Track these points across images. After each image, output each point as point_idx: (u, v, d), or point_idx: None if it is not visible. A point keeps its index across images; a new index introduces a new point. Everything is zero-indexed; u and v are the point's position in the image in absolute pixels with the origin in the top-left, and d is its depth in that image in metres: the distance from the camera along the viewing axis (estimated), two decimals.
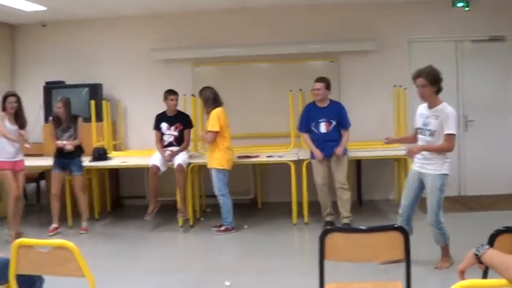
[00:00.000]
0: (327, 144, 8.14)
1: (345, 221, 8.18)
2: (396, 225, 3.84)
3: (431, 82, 6.08)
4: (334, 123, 8.14)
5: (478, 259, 2.64)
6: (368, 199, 9.99)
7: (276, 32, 10.01)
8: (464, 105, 10.08)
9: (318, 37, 9.98)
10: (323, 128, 8.16)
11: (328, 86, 8.21)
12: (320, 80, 8.22)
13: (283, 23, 10.03)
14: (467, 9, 9.87)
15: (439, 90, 6.14)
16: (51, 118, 8.64)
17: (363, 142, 9.45)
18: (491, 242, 3.24)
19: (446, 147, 6.07)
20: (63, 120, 8.42)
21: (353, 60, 10.07)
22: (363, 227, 3.88)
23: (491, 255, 2.60)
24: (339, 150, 8.08)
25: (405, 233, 3.73)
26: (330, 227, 3.80)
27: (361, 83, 10.08)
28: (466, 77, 10.15)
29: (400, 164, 9.12)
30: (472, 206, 9.43)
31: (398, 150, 8.36)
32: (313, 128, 8.21)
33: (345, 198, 8.18)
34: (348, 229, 3.86)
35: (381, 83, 9.93)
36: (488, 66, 10.18)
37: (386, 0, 9.75)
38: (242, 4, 9.64)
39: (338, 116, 8.19)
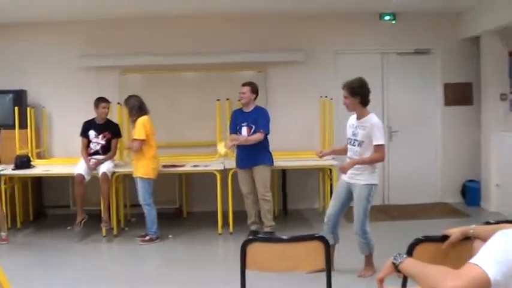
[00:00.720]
0: (248, 153, 8.28)
1: (267, 229, 8.36)
2: (317, 235, 3.89)
3: (352, 94, 6.36)
4: (254, 127, 8.23)
5: (396, 268, 2.67)
6: (293, 208, 10.20)
7: (204, 41, 10.12)
8: (389, 116, 10.42)
9: (246, 47, 10.13)
10: (244, 132, 8.28)
11: (254, 91, 8.32)
12: (246, 84, 8.36)
13: (212, 32, 10.18)
14: (394, 22, 10.20)
15: (363, 102, 6.40)
16: None
17: (289, 152, 9.70)
18: (410, 251, 3.37)
19: (376, 158, 6.34)
20: None
21: (281, 71, 10.27)
22: (284, 237, 3.94)
23: (409, 264, 2.63)
24: (235, 142, 8.28)
25: (326, 242, 3.80)
26: (251, 237, 3.92)
27: (289, 94, 10.29)
28: (391, 89, 10.52)
29: (325, 173, 9.33)
30: (396, 215, 9.78)
31: (323, 161, 8.55)
32: (238, 132, 8.34)
33: (265, 208, 8.33)
34: (269, 239, 3.93)
35: (308, 94, 10.17)
36: (413, 79, 10.61)
37: (315, 11, 9.96)
38: (171, 13, 9.68)
39: (257, 120, 8.27)
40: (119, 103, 9.24)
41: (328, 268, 3.84)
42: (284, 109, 10.19)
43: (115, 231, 8.68)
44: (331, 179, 9.02)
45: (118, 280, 6.90)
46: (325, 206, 9.26)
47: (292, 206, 10.20)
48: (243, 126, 8.30)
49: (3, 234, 8.39)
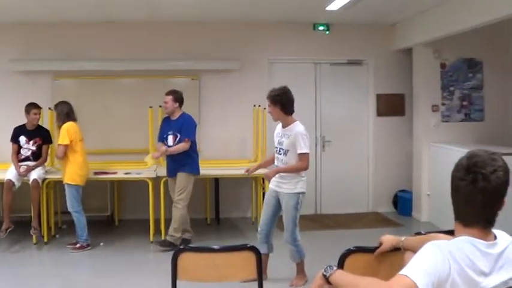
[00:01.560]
0: (174, 161, 8.38)
1: (167, 238, 8.42)
2: (249, 245, 3.98)
3: (273, 102, 6.63)
4: (179, 136, 8.29)
5: (327, 280, 2.71)
6: (225, 217, 10.38)
7: (139, 47, 10.23)
8: (321, 126, 10.69)
9: (180, 55, 10.29)
10: (170, 141, 8.36)
11: (176, 99, 8.38)
12: (169, 92, 8.42)
13: (146, 39, 10.29)
14: (327, 32, 10.46)
15: (285, 110, 6.61)
16: None
17: (222, 160, 9.96)
18: (341, 261, 3.44)
19: (300, 166, 6.54)
20: None
21: (215, 79, 10.45)
22: (215, 247, 4.03)
23: (339, 276, 2.68)
24: (157, 154, 8.50)
25: (257, 252, 3.93)
26: (182, 247, 4.02)
27: (223, 102, 10.48)
28: (324, 99, 10.81)
29: (257, 182, 9.54)
30: (328, 224, 10.05)
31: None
32: (165, 141, 8.43)
33: (174, 215, 8.38)
34: (200, 249, 4.02)
35: (241, 102, 10.37)
36: (346, 89, 10.94)
37: (249, 20, 10.18)
38: (106, 18, 9.77)
39: (182, 128, 8.33)
40: (50, 108, 9.24)
41: (260, 278, 3.96)
42: (218, 117, 10.42)
43: (45, 239, 8.69)
44: (263, 188, 9.20)
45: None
46: (258, 215, 9.46)
47: (224, 215, 10.37)
48: (169, 134, 8.39)
49: None
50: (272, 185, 6.80)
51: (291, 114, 6.67)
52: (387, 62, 10.85)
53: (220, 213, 10.31)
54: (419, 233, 3.54)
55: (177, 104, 8.41)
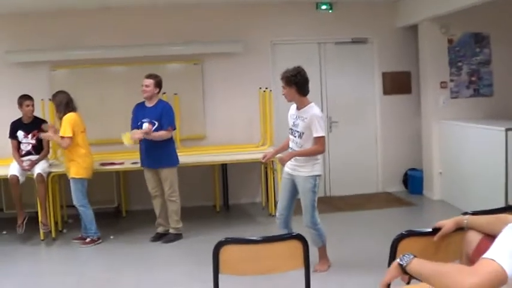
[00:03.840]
0: (153, 152, 8.07)
1: (172, 231, 8.29)
2: (295, 233, 3.81)
3: (287, 83, 6.39)
4: (156, 124, 7.94)
5: (403, 269, 2.61)
6: (234, 203, 10.24)
7: (137, 33, 9.99)
8: (328, 107, 10.53)
9: (180, 39, 10.07)
10: (145, 128, 7.97)
11: (157, 84, 8.02)
12: (150, 76, 8.04)
13: (144, 24, 10.06)
14: (330, 11, 10.27)
15: (300, 91, 6.40)
16: None
17: (229, 145, 9.80)
18: (394, 247, 3.28)
19: (316, 150, 6.36)
20: None
21: (218, 63, 10.25)
22: (258, 238, 3.83)
23: (417, 264, 2.56)
24: (139, 134, 7.90)
25: (304, 241, 3.75)
26: (223, 240, 3.69)
27: (226, 86, 10.29)
28: (329, 79, 10.66)
29: (268, 166, 9.41)
30: (339, 206, 9.91)
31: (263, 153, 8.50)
32: (139, 129, 8.02)
33: (172, 209, 8.22)
34: (243, 240, 3.79)
35: (246, 85, 10.21)
36: (351, 68, 10.78)
37: (251, 1, 10.00)
38: (102, 4, 9.57)
39: (161, 116, 7.97)
40: (50, 99, 8.99)
41: (307, 268, 3.79)
42: (222, 102, 10.24)
43: (53, 234, 8.51)
44: (273, 172, 9.05)
45: (66, 286, 6.67)
46: (268, 200, 9.33)
47: (233, 201, 10.24)
48: (144, 121, 8.00)
49: None
50: (287, 169, 6.64)
51: (306, 95, 6.48)
52: (392, 39, 10.69)
53: (229, 200, 10.17)
54: (481, 212, 3.36)
55: (158, 90, 8.06)
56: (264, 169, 9.76)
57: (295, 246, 3.73)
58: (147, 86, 7.98)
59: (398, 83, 10.72)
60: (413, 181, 10.65)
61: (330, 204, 10.00)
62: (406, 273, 2.60)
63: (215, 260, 3.65)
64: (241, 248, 3.79)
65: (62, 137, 7.99)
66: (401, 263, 2.61)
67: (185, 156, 8.69)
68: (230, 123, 10.20)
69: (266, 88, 9.67)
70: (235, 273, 3.75)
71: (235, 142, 9.97)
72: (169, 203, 8.18)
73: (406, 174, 10.83)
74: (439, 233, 3.27)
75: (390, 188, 10.87)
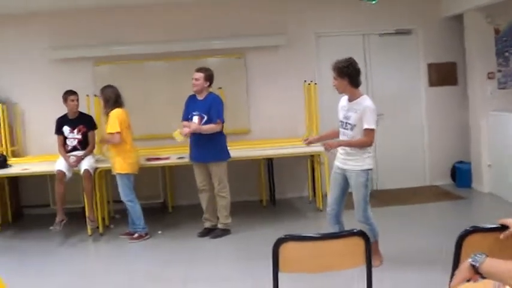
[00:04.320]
0: (203, 146, 7.98)
1: (221, 226, 8.21)
2: (356, 230, 3.65)
3: (339, 74, 6.25)
4: (205, 118, 7.85)
5: (476, 270, 2.52)
6: (281, 198, 10.11)
7: (179, 28, 9.98)
8: (373, 99, 10.12)
9: (223, 33, 10.00)
10: (195, 122, 7.90)
11: (207, 78, 7.91)
12: (200, 70, 7.96)
13: (186, 18, 10.03)
14: (374, 2, 10.06)
15: (352, 82, 6.27)
16: None
17: (274, 139, 9.69)
18: (459, 243, 3.21)
19: (364, 142, 6.22)
20: None
21: (261, 56, 10.17)
22: (318, 235, 3.69)
23: (490, 264, 2.48)
24: (188, 130, 7.86)
25: (366, 237, 3.63)
26: (283, 237, 3.55)
27: (270, 79, 10.20)
28: (374, 71, 10.51)
29: (315, 160, 9.31)
30: (387, 200, 9.73)
31: (310, 147, 8.39)
32: (189, 121, 7.98)
33: (221, 204, 8.13)
34: (303, 237, 3.65)
35: (290, 79, 10.11)
36: (396, 60, 10.62)
37: None
38: (144, 1, 9.56)
39: (210, 108, 7.88)
40: (95, 95, 9.10)
41: (369, 265, 3.67)
42: (266, 95, 10.16)
43: (101, 230, 8.49)
44: (320, 166, 8.97)
45: (116, 282, 6.62)
46: (316, 193, 9.23)
47: (280, 196, 10.11)
48: (194, 115, 7.93)
49: None
50: (338, 163, 6.50)
51: (358, 86, 6.36)
52: (437, 29, 10.50)
53: (275, 194, 10.04)
54: None
55: (208, 83, 7.94)
56: (311, 162, 9.64)
57: (357, 243, 3.60)
58: (196, 79, 7.90)
59: (444, 74, 10.52)
60: (461, 174, 10.42)
61: (377, 198, 9.80)
62: (478, 273, 2.51)
63: (275, 258, 3.51)
64: (301, 245, 3.65)
65: (111, 133, 7.97)
66: (473, 263, 2.52)
67: (230, 151, 8.59)
68: (274, 116, 10.10)
69: (311, 81, 9.56)
70: (294, 271, 3.63)
71: (279, 136, 9.86)
72: (219, 198, 8.10)
73: (453, 167, 10.61)
74: (507, 232, 3.13)
75: (438, 181, 10.66)
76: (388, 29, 10.48)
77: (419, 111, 10.66)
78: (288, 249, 3.53)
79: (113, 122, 7.95)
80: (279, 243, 3.51)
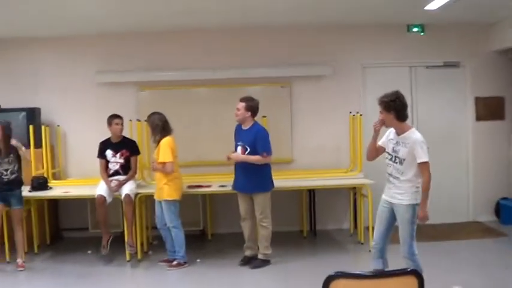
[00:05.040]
0: (248, 177, 7.87)
1: (260, 256, 8.07)
2: (409, 269, 3.55)
3: (385, 108, 6.11)
4: (248, 149, 7.77)
5: None
6: (322, 229, 9.94)
7: (225, 55, 9.94)
8: (418, 132, 10.09)
9: (269, 61, 9.95)
10: (239, 152, 7.86)
11: (249, 108, 7.81)
12: (242, 99, 7.90)
13: (234, 46, 9.99)
14: (422, 34, 9.96)
15: (399, 116, 6.12)
16: None
17: (316, 170, 9.57)
18: None
19: (427, 179, 6.08)
20: (1, 146, 7.95)
21: (306, 86, 10.07)
22: (369, 273, 3.57)
23: None
24: (232, 155, 7.87)
25: (419, 276, 3.44)
26: (333, 274, 3.37)
27: (315, 109, 10.10)
28: (420, 103, 10.33)
29: (358, 192, 9.17)
30: (429, 235, 9.46)
31: (353, 179, 8.25)
32: (235, 151, 7.97)
33: (262, 234, 8.01)
34: (354, 275, 3.47)
35: (335, 109, 10.02)
36: (443, 93, 10.41)
37: (340, 23, 9.79)
38: (190, 27, 9.53)
39: (254, 141, 7.78)
40: (138, 120, 9.02)
41: None
42: (310, 125, 10.04)
43: (139, 256, 8.42)
44: (362, 197, 8.81)
45: None
46: (357, 226, 9.06)
47: (320, 227, 9.93)
48: (238, 145, 7.92)
49: (20, 261, 8.01)
50: (386, 196, 6.35)
51: (405, 120, 6.20)
52: (485, 63, 10.29)
53: (316, 225, 9.86)
54: None
55: (249, 114, 7.84)
56: (353, 195, 9.52)
57: (411, 282, 3.41)
58: (238, 109, 7.86)
59: (491, 108, 10.32)
60: (505, 211, 10.15)
61: (419, 232, 9.56)
62: None
63: None
64: (353, 282, 3.44)
65: (163, 163, 7.89)
66: None
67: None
68: (318, 147, 9.98)
69: (357, 112, 9.44)
70: None
71: (322, 167, 9.74)
72: (261, 228, 7.99)
73: (498, 204, 10.36)
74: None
75: (481, 218, 10.40)
76: (436, 62, 10.30)
77: (465, 145, 10.45)
78: (339, 287, 3.35)
79: (165, 151, 7.90)
80: (329, 280, 3.32)
